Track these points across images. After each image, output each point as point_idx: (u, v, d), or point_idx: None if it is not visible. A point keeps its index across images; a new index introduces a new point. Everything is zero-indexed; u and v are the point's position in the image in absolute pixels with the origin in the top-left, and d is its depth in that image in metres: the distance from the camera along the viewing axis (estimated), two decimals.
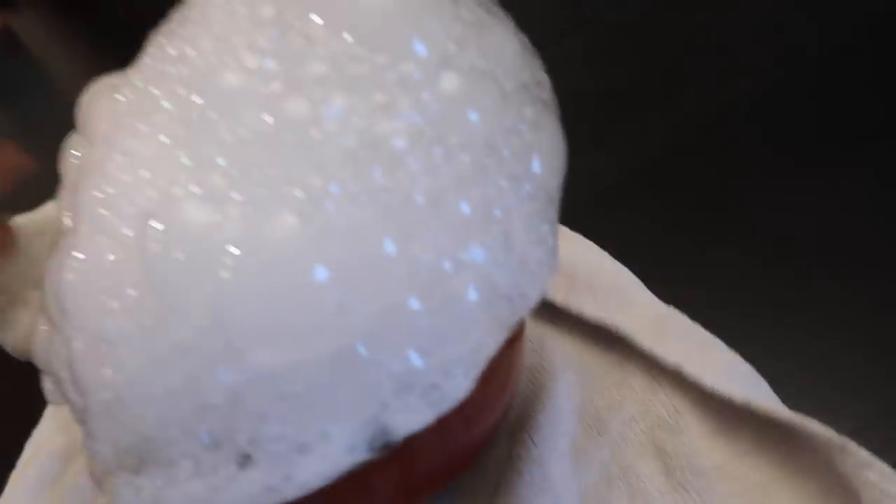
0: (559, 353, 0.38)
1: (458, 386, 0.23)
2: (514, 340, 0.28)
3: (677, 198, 0.45)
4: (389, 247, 0.20)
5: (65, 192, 0.24)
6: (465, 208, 0.21)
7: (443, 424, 0.24)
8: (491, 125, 0.21)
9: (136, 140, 0.20)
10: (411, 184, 0.20)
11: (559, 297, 0.39)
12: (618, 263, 0.40)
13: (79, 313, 0.19)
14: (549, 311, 0.39)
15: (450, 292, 0.21)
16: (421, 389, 0.22)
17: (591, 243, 0.41)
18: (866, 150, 0.43)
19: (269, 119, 0.20)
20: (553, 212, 0.24)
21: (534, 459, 0.32)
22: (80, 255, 0.19)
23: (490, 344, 0.24)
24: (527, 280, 0.23)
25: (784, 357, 0.35)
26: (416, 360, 0.21)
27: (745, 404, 0.31)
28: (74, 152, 0.25)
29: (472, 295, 0.22)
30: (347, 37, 0.21)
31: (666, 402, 0.34)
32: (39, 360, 0.24)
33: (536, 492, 0.31)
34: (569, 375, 0.37)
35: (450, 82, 0.21)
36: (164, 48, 0.24)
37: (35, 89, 0.91)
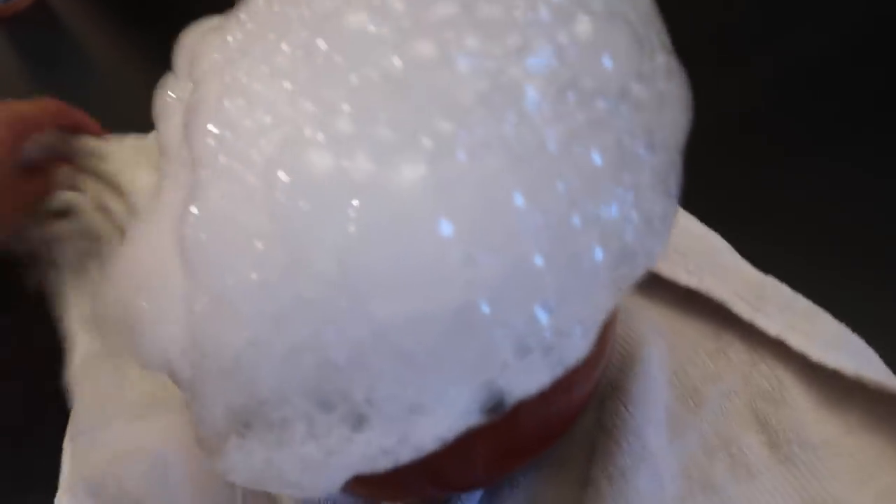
0: (648, 321, 0.37)
1: (577, 346, 0.22)
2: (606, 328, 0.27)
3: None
4: (518, 199, 0.19)
5: (165, 134, 0.24)
6: (598, 158, 0.20)
7: (551, 387, 0.23)
8: (625, 70, 0.20)
9: (256, 83, 0.19)
10: (543, 130, 0.19)
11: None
12: (706, 227, 0.39)
13: (203, 271, 0.19)
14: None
15: (577, 249, 0.20)
16: (542, 349, 0.21)
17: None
18: None
19: (396, 62, 0.19)
20: (678, 166, 0.23)
21: (630, 429, 0.31)
22: (203, 208, 0.19)
23: (609, 303, 0.22)
24: (652, 238, 0.22)
25: None
26: (542, 316, 0.20)
27: (857, 377, 0.30)
28: (172, 94, 0.24)
29: (598, 254, 0.21)
30: None
31: (768, 374, 0.32)
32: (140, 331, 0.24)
33: (637, 461, 0.30)
34: (660, 344, 0.35)
35: (584, 25, 0.19)
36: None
37: (70, 58, 0.91)
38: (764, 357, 0.33)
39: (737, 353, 0.34)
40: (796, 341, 0.32)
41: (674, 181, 0.22)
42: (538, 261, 0.20)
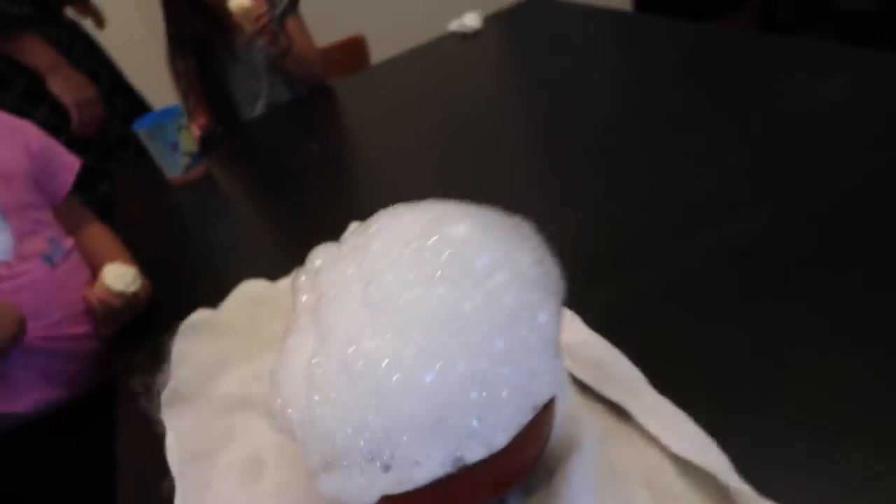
0: (589, 421, 0.57)
1: (500, 439, 0.43)
2: (542, 413, 0.48)
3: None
4: (462, 366, 0.41)
5: (297, 303, 0.47)
6: (500, 344, 0.42)
7: (494, 457, 0.44)
8: (521, 300, 0.42)
9: (345, 298, 0.42)
10: (478, 334, 0.41)
11: (592, 381, 0.58)
12: (630, 363, 0.59)
13: (316, 392, 0.42)
14: (585, 391, 0.59)
15: (494, 389, 0.42)
16: (479, 438, 0.43)
17: (613, 347, 0.60)
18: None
19: (416, 295, 0.41)
20: (553, 346, 0.44)
21: (570, 488, 0.51)
22: (319, 362, 0.42)
23: (519, 417, 0.44)
24: (538, 384, 0.43)
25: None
26: (476, 423, 0.42)
27: (700, 464, 0.49)
28: (304, 296, 0.48)
29: (505, 392, 0.42)
30: (449, 252, 0.43)
31: (656, 455, 0.52)
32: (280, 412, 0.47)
33: None
34: (594, 436, 0.56)
35: (499, 278, 0.42)
36: (357, 240, 0.46)
37: (225, 215, 1.20)
38: (653, 447, 0.53)
39: (642, 442, 0.54)
40: (668, 439, 0.52)
41: (548, 355, 0.44)
42: (474, 396, 0.42)
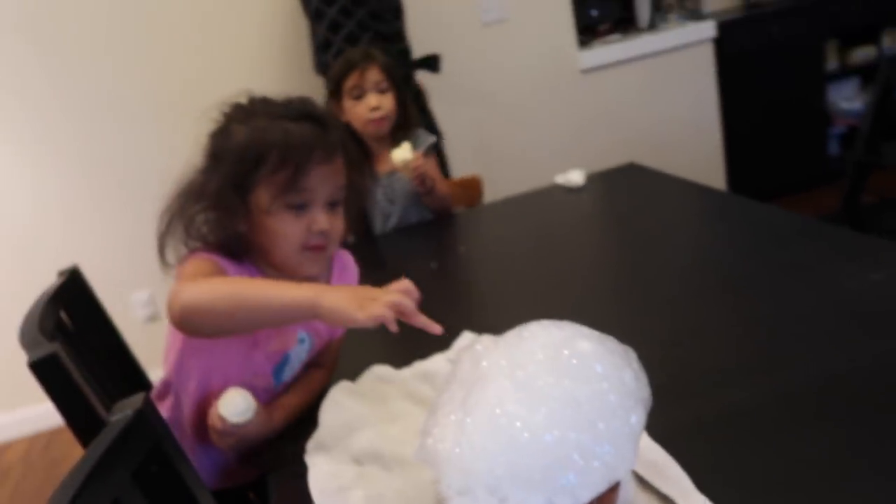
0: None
1: (584, 496, 0.62)
2: (614, 486, 0.66)
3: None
4: (573, 435, 0.61)
5: (460, 367, 0.68)
6: (601, 426, 0.61)
7: None
8: (621, 402, 0.62)
9: (498, 375, 0.63)
10: (588, 416, 0.61)
11: (649, 476, 0.76)
12: (681, 469, 0.76)
13: (465, 438, 0.62)
14: (641, 483, 0.76)
15: (589, 458, 0.61)
16: (569, 492, 0.61)
17: (668, 455, 0.78)
18: None
19: (549, 382, 0.62)
20: (636, 441, 0.63)
21: None
22: (468, 413, 0.62)
23: (602, 485, 0.62)
24: (620, 464, 0.62)
25: None
26: (572, 478, 0.61)
27: None
28: (466, 365, 0.69)
29: (597, 463, 0.61)
30: (577, 359, 0.64)
31: None
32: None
33: None
34: None
35: (608, 383, 0.62)
36: (511, 338, 0.68)
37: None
38: None
39: None
40: None
41: (631, 445, 0.63)
42: (575, 457, 0.61)
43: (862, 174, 2.22)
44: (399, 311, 0.80)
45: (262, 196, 0.97)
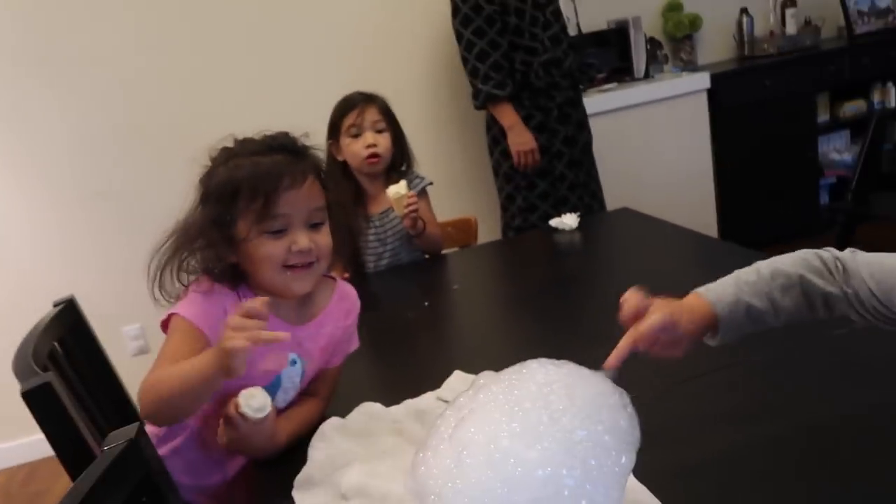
0: None
1: None
2: None
3: None
4: (565, 471, 0.62)
5: (455, 412, 0.69)
6: (593, 462, 0.62)
7: None
8: (614, 443, 0.63)
9: (494, 412, 0.64)
10: (580, 454, 0.62)
11: None
12: None
13: (458, 471, 0.63)
14: None
15: (578, 493, 0.61)
16: None
17: (653, 496, 0.78)
18: None
19: (545, 419, 0.63)
20: (624, 480, 0.64)
21: None
22: (469, 445, 0.63)
23: None
24: (606, 502, 0.63)
25: None
26: None
27: None
28: (461, 399, 0.70)
29: (584, 501, 0.62)
30: (574, 401, 0.64)
31: None
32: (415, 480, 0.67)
33: None
34: None
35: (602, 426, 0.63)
36: (511, 375, 0.69)
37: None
38: None
39: None
40: None
41: (618, 491, 0.63)
42: (566, 492, 0.62)
43: (851, 225, 2.25)
44: (242, 331, 0.87)
45: (243, 227, 1.02)
